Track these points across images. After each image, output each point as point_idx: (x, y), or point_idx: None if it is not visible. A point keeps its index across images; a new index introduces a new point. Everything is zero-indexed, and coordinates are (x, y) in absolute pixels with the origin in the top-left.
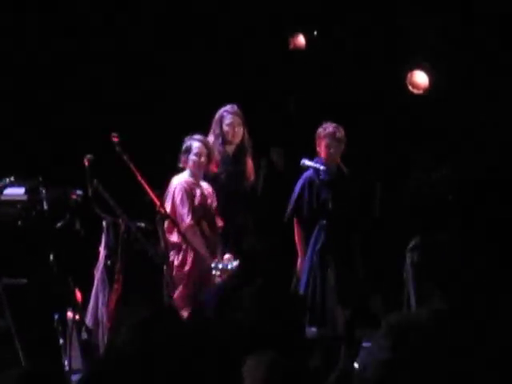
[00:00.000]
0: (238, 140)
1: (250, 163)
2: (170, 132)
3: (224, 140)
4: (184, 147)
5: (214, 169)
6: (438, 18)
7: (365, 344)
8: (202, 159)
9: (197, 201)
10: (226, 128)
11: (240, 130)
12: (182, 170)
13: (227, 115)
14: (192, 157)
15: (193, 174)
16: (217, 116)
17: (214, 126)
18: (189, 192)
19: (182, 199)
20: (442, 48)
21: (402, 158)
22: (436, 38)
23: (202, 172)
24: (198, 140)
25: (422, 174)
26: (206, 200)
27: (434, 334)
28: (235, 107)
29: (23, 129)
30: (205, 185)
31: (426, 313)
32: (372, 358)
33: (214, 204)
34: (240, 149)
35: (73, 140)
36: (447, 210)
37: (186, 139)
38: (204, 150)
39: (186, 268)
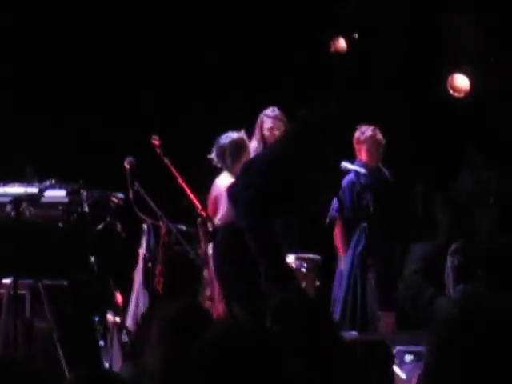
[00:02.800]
0: None
1: None
2: (210, 133)
3: (265, 145)
4: (221, 146)
5: None
6: (479, 18)
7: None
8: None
9: None
10: (266, 133)
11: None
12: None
13: (267, 119)
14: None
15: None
16: (258, 120)
17: (256, 131)
18: None
19: None
20: (485, 50)
21: (446, 160)
22: (478, 40)
23: None
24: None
25: (467, 173)
26: None
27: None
28: (276, 110)
29: (65, 131)
30: None
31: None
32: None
33: None
34: None
35: (114, 143)
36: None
37: (222, 138)
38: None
39: None
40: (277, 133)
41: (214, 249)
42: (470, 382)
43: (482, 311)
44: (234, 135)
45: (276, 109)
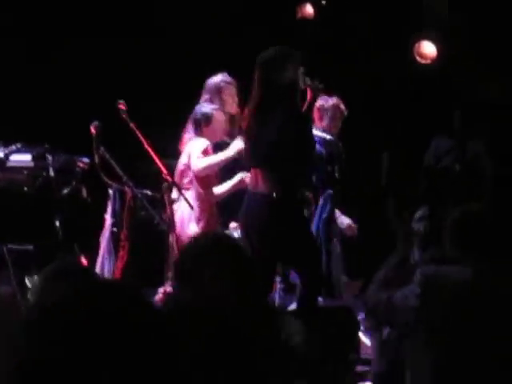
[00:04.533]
0: (234, 112)
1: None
2: (176, 99)
3: (222, 111)
4: (203, 117)
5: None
6: None
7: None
8: (223, 125)
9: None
10: (225, 98)
11: (236, 101)
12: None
13: (226, 85)
14: (214, 125)
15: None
16: (213, 87)
17: (213, 97)
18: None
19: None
20: (453, 20)
21: (408, 128)
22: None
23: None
24: (217, 109)
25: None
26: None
27: (467, 294)
28: (229, 77)
29: (30, 96)
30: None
31: (462, 271)
32: (404, 303)
33: None
34: (232, 121)
35: (79, 107)
36: (454, 179)
37: (200, 108)
38: (222, 117)
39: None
40: (235, 99)
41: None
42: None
43: (440, 288)
44: (217, 106)
45: (227, 74)
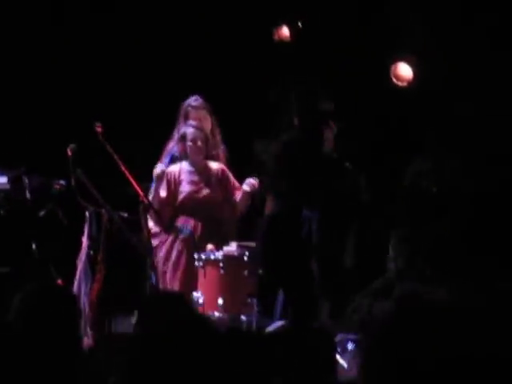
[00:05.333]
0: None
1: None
2: (153, 121)
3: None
4: (180, 135)
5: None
6: (425, 11)
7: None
8: (199, 144)
9: (182, 196)
10: (192, 123)
11: (207, 123)
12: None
13: (192, 110)
14: (188, 143)
15: (192, 162)
16: (181, 111)
17: (180, 120)
18: (171, 181)
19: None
20: (430, 41)
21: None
22: (423, 32)
23: (202, 157)
24: (192, 126)
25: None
26: (199, 192)
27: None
28: (199, 99)
29: (6, 117)
30: (216, 166)
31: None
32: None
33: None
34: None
35: (56, 129)
36: (432, 201)
37: (179, 127)
38: (200, 135)
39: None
40: (203, 122)
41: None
42: (405, 380)
43: (417, 310)
44: (194, 123)
45: (199, 97)
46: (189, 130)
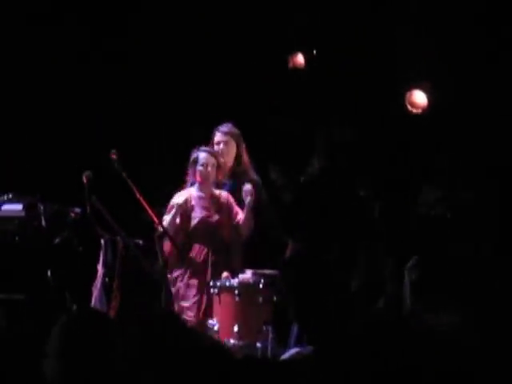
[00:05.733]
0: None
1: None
2: (171, 147)
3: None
4: (191, 159)
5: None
6: (435, 37)
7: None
8: (209, 169)
9: (195, 221)
10: (215, 147)
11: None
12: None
13: (216, 133)
14: (199, 167)
15: (201, 187)
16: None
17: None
18: (184, 209)
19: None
20: (442, 68)
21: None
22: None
23: (212, 183)
24: (205, 151)
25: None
26: (212, 217)
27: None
28: (228, 125)
29: (22, 144)
30: (224, 194)
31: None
32: None
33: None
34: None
35: (71, 157)
36: (445, 228)
37: (193, 151)
38: (211, 160)
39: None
40: (225, 146)
41: None
42: None
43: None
44: (207, 148)
45: (230, 123)
46: (201, 154)
